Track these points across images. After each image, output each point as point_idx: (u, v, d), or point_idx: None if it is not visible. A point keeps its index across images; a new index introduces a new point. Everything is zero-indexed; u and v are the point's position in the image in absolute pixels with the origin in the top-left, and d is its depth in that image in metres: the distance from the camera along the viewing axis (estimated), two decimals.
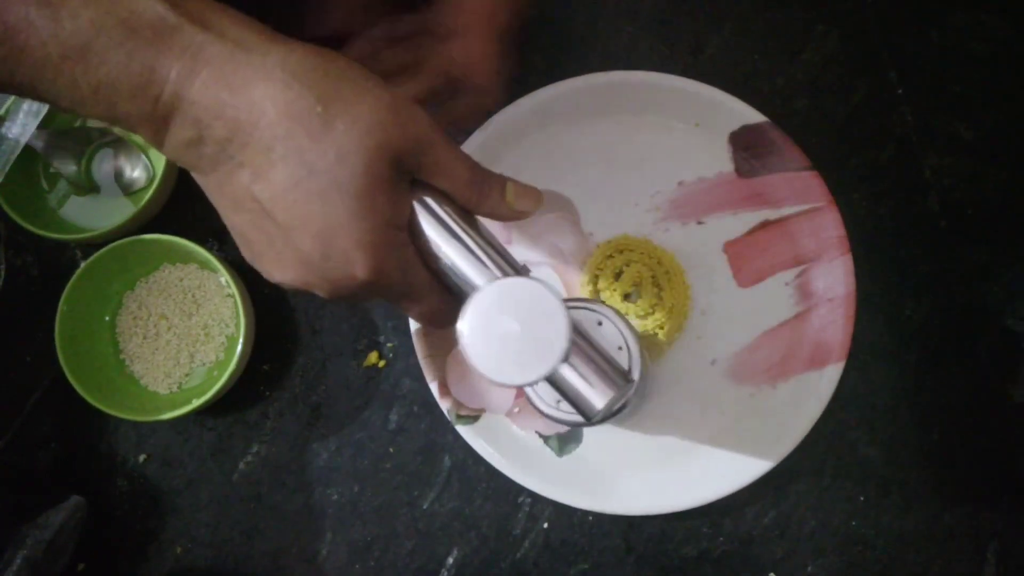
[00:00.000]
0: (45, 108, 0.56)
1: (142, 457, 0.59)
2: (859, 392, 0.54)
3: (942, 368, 0.54)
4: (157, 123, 0.33)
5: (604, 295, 0.54)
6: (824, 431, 0.53)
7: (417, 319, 0.39)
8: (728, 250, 0.55)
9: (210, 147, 0.33)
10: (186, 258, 0.59)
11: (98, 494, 0.58)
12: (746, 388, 0.54)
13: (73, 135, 0.60)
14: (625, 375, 0.38)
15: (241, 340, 0.55)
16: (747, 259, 0.54)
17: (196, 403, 0.54)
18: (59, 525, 0.54)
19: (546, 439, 0.55)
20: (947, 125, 0.56)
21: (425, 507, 0.56)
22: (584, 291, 0.55)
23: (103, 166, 0.60)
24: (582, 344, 0.37)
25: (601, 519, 0.55)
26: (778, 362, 0.54)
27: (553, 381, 0.37)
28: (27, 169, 0.60)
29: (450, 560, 0.56)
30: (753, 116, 0.54)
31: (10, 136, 0.56)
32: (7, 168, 0.56)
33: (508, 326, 0.32)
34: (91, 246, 0.59)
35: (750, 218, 0.55)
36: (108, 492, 0.59)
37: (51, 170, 0.60)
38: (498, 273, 0.36)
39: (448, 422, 0.55)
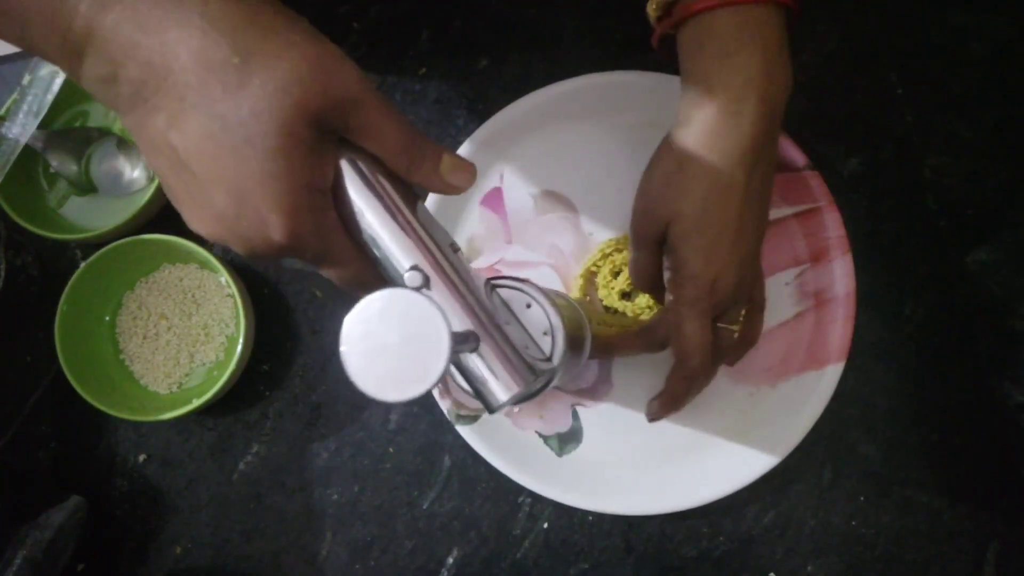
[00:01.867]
0: (45, 108, 0.56)
1: (142, 457, 0.59)
2: (859, 392, 0.54)
3: (942, 368, 0.54)
4: (70, 56, 0.32)
5: (601, 293, 0.54)
6: (824, 431, 0.53)
7: (338, 283, 0.37)
8: None
9: (125, 87, 0.32)
10: (186, 258, 0.59)
11: (98, 494, 0.58)
12: (746, 388, 0.54)
13: (73, 135, 0.60)
14: (534, 368, 0.36)
15: (241, 340, 0.55)
16: None
17: (196, 403, 0.54)
18: (59, 525, 0.54)
19: (546, 439, 0.55)
20: (947, 125, 0.56)
21: (425, 507, 0.56)
22: (575, 285, 0.55)
23: (103, 166, 0.60)
24: (494, 333, 0.35)
25: (601, 519, 0.55)
26: (778, 362, 0.54)
27: (460, 369, 0.36)
28: (27, 169, 0.60)
29: (450, 560, 0.56)
30: None
31: (10, 136, 0.56)
32: (7, 168, 0.56)
33: (389, 340, 0.30)
34: (91, 246, 0.59)
35: None
36: (108, 492, 0.59)
37: (51, 170, 0.60)
38: (419, 249, 0.35)
39: (448, 422, 0.55)
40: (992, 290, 0.54)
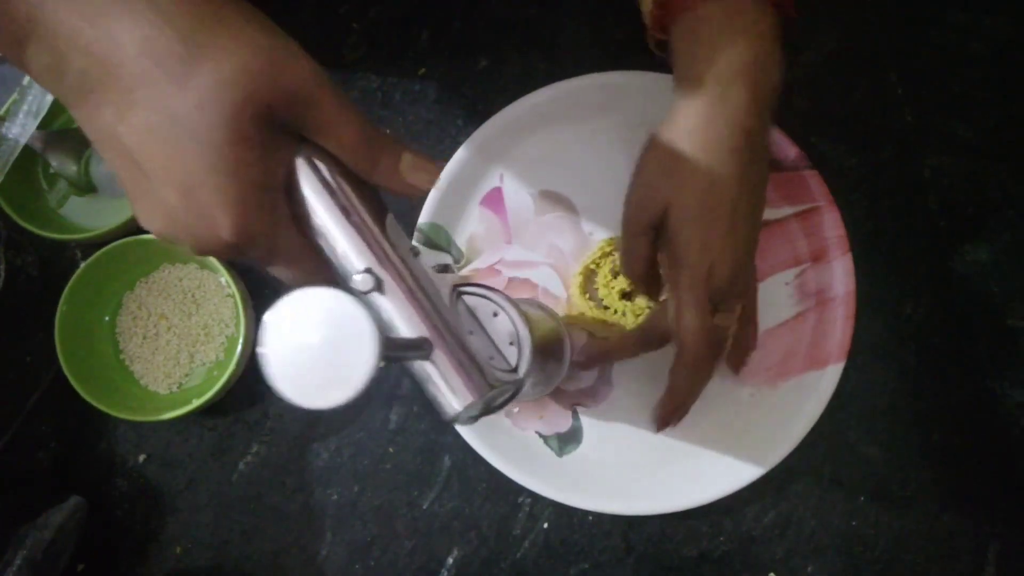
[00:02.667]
0: (45, 108, 0.56)
1: (142, 457, 0.59)
2: (859, 392, 0.54)
3: (942, 368, 0.54)
4: (13, 45, 0.31)
5: (601, 292, 0.54)
6: (824, 431, 0.52)
7: (290, 283, 0.36)
8: None
9: (70, 78, 0.31)
10: (186, 258, 0.59)
11: (98, 494, 0.58)
12: (746, 388, 0.54)
13: (73, 135, 0.60)
14: (492, 377, 0.35)
15: (241, 340, 0.55)
16: None
17: (196, 403, 0.54)
18: (59, 525, 0.54)
19: (546, 439, 0.55)
20: (947, 125, 0.56)
21: (425, 507, 0.56)
22: (574, 283, 0.55)
23: (103, 166, 0.60)
24: (450, 340, 0.34)
25: (601, 519, 0.55)
26: (778, 362, 0.54)
27: (413, 376, 0.34)
28: (27, 169, 0.60)
29: (450, 560, 0.56)
30: None
31: (10, 136, 0.56)
32: (7, 168, 0.56)
33: (312, 342, 0.28)
34: (91, 246, 0.59)
35: None
36: (108, 492, 0.59)
37: (51, 170, 0.60)
38: (373, 251, 0.34)
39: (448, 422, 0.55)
40: (992, 290, 0.54)
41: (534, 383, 0.44)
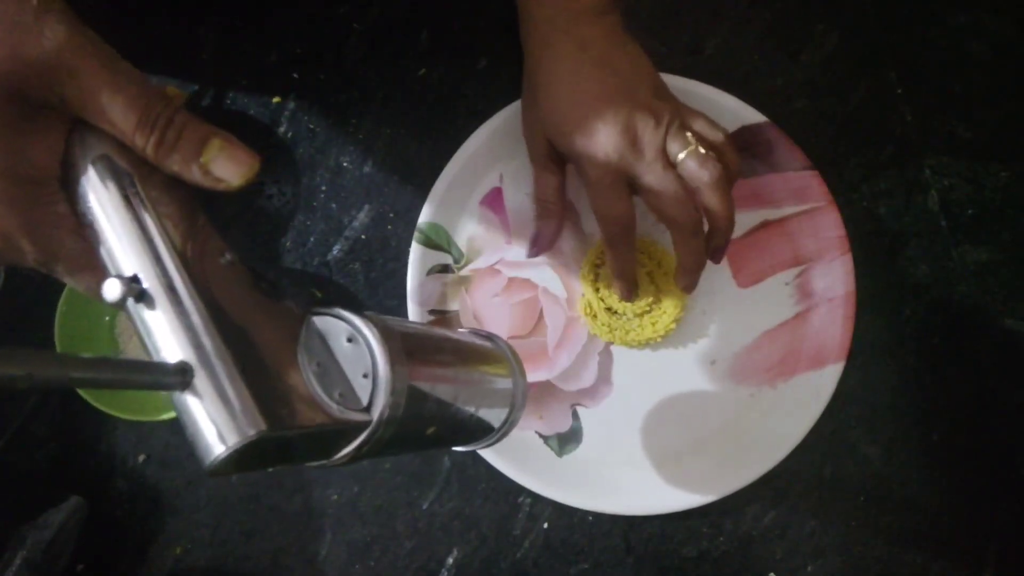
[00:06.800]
0: None
1: (141, 457, 0.59)
2: (859, 392, 0.54)
3: (942, 368, 0.54)
4: None
5: (602, 293, 0.54)
6: (824, 431, 0.53)
7: (90, 296, 0.31)
8: (728, 250, 0.55)
9: None
10: None
11: (98, 494, 0.58)
12: (746, 388, 0.54)
13: None
14: (333, 416, 0.29)
15: None
16: (747, 259, 0.54)
17: None
18: (59, 525, 0.54)
19: (546, 439, 0.55)
20: (947, 125, 0.56)
21: (425, 507, 0.56)
22: (585, 280, 0.55)
23: None
24: (221, 367, 0.28)
25: (601, 519, 0.55)
26: (778, 362, 0.54)
27: (179, 417, 0.28)
28: None
29: (450, 560, 0.56)
30: (753, 116, 0.54)
31: None
32: None
33: None
34: None
35: (750, 218, 0.55)
36: (108, 492, 0.59)
37: None
38: (148, 257, 0.28)
39: None
40: (992, 290, 0.54)
41: (464, 432, 0.37)
